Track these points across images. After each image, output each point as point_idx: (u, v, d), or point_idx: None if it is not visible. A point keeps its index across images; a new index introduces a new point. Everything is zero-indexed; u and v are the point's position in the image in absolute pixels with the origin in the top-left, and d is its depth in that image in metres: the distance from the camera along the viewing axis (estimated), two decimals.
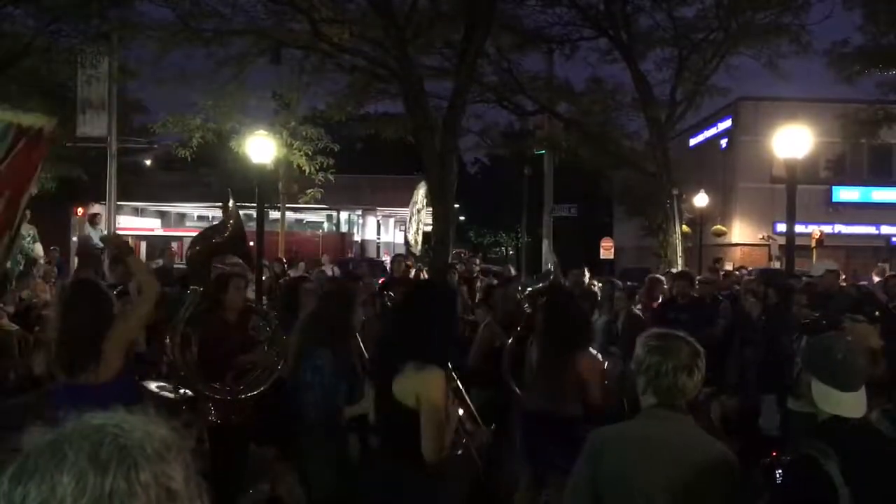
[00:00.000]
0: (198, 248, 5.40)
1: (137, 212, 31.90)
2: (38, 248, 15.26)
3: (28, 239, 15.16)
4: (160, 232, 30.72)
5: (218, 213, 22.93)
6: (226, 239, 5.36)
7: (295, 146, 19.63)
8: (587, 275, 11.32)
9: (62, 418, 1.02)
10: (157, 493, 0.98)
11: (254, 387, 5.07)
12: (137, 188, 25.80)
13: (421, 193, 14.15)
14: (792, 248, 12.28)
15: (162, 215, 33.49)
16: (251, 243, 14.44)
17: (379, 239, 37.48)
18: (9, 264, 14.35)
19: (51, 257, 15.44)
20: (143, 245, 28.67)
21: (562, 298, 5.67)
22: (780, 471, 2.46)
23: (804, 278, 9.69)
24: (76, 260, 17.38)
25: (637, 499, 2.55)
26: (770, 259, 24.59)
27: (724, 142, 30.69)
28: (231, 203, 5.61)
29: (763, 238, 26.68)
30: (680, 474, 2.52)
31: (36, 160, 3.46)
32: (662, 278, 10.02)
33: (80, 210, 23.37)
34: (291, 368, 4.72)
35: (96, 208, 20.20)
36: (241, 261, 5.83)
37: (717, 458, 2.59)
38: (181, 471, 1.02)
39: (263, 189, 14.78)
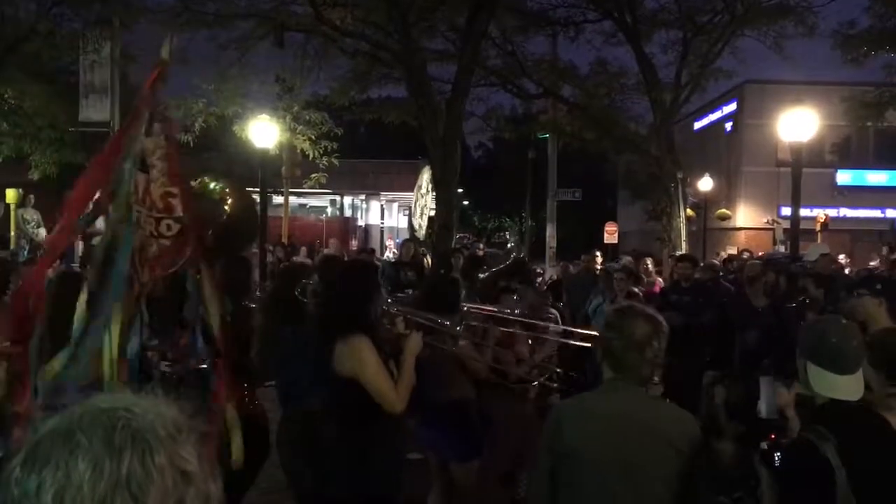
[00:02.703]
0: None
1: None
2: (42, 234, 15.30)
3: (32, 224, 15.21)
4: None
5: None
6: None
7: (298, 130, 19.59)
8: (599, 258, 11.36)
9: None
10: (172, 476, 0.96)
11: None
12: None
13: (426, 178, 14.15)
14: (797, 231, 12.25)
15: None
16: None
17: (382, 223, 37.45)
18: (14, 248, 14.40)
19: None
20: None
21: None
22: (778, 454, 2.47)
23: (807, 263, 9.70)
24: (80, 245, 17.39)
25: (589, 471, 2.60)
26: (774, 243, 24.54)
27: (728, 125, 30.56)
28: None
29: (768, 222, 26.61)
30: (627, 446, 2.56)
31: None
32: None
33: None
34: (258, 351, 4.68)
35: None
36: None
37: (666, 427, 2.61)
38: (194, 452, 1.01)
39: (266, 174, 14.79)
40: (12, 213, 15.76)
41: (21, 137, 17.86)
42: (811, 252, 8.47)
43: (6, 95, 17.34)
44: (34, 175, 18.20)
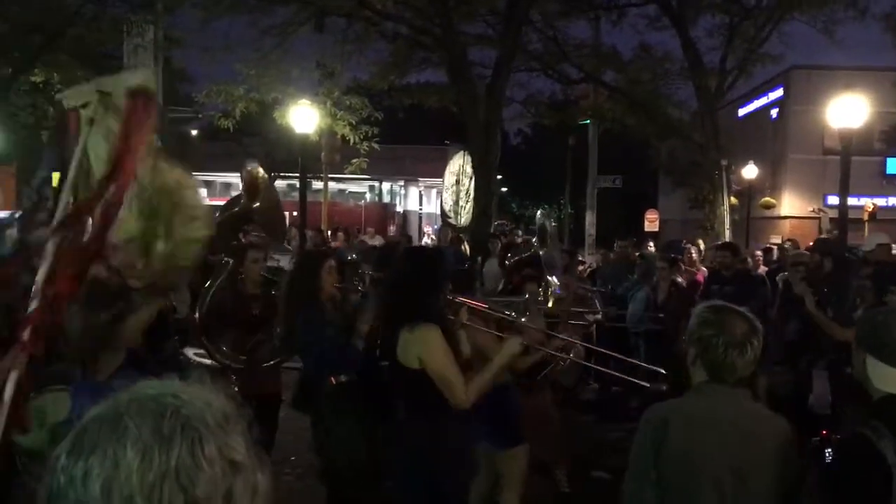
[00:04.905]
0: (222, 217, 5.50)
1: None
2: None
3: None
4: (206, 201, 31.01)
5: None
6: (254, 209, 5.44)
7: (339, 116, 19.62)
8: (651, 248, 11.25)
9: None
10: (221, 466, 0.94)
11: (268, 358, 5.17)
12: (184, 158, 26.11)
13: (459, 163, 14.10)
14: (845, 220, 11.95)
15: (208, 185, 33.83)
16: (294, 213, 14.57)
17: (421, 209, 37.47)
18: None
19: None
20: None
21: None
22: (829, 450, 2.37)
23: (859, 252, 9.42)
24: None
25: (704, 480, 2.50)
26: (820, 232, 24.03)
27: (774, 112, 29.94)
28: (257, 171, 5.67)
29: (813, 211, 26.06)
30: (745, 453, 2.47)
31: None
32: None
33: None
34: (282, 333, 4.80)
35: None
36: (264, 234, 5.90)
37: (778, 433, 2.53)
38: (242, 441, 0.98)
39: (306, 159, 14.84)
40: None
41: None
42: (869, 241, 8.21)
43: (53, 80, 17.63)
44: None
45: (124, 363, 3.46)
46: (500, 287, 6.44)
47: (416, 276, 3.71)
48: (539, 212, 11.35)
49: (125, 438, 0.92)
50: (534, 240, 9.48)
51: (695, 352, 2.59)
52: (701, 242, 11.65)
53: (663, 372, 4.20)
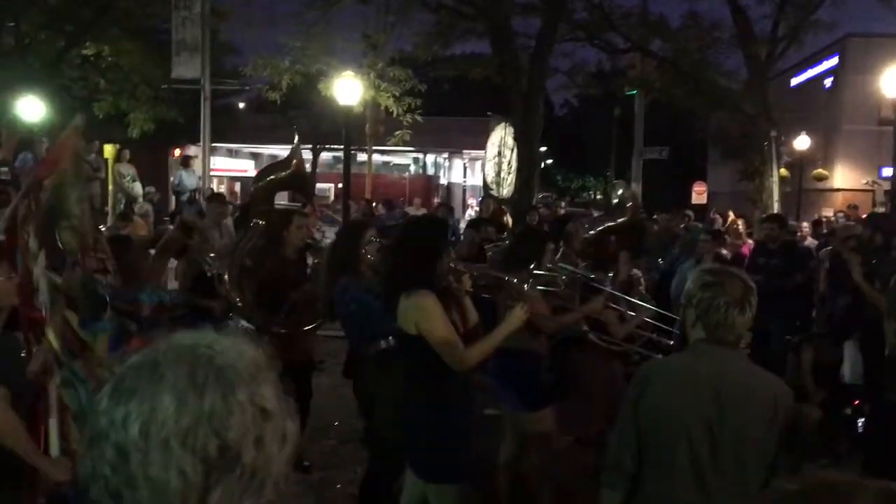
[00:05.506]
0: (260, 183, 5.66)
1: (231, 153, 32.68)
2: (138, 188, 15.87)
3: (127, 178, 15.80)
4: (253, 173, 31.42)
5: (307, 154, 23.34)
6: (286, 176, 5.57)
7: (382, 88, 19.63)
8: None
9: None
10: (252, 413, 1.00)
11: (308, 322, 5.26)
12: (231, 130, 26.39)
13: (500, 135, 14.06)
14: None
15: (255, 157, 34.17)
16: (339, 185, 14.67)
17: (465, 182, 37.34)
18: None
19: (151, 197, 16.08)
20: (238, 185, 29.46)
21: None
22: (862, 420, 2.36)
23: None
24: (173, 199, 18.02)
25: (674, 430, 2.58)
26: (874, 205, 23.41)
27: (828, 81, 29.12)
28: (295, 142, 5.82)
29: (867, 183, 25.38)
30: (720, 409, 2.53)
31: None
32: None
33: (177, 151, 24.07)
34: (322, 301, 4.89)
35: (192, 150, 20.78)
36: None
37: (763, 393, 2.57)
38: (273, 391, 1.04)
39: (350, 131, 14.91)
40: (110, 169, 16.39)
41: (118, 94, 18.48)
42: None
43: (103, 53, 17.94)
44: (133, 132, 18.83)
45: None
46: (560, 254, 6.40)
47: (415, 242, 3.78)
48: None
49: (162, 385, 0.98)
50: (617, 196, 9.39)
51: (695, 313, 2.65)
52: (731, 213, 11.46)
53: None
